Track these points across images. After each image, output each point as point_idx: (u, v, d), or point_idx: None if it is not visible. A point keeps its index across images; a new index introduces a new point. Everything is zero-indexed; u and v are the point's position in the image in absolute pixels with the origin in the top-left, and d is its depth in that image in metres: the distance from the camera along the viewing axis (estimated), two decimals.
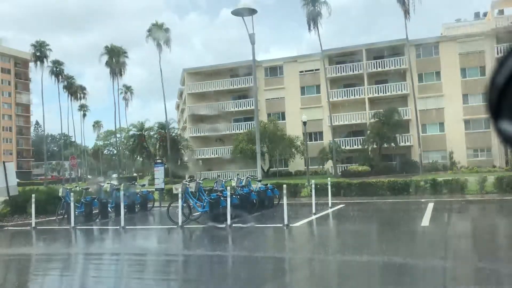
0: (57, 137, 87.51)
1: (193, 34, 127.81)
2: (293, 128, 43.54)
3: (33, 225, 14.20)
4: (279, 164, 44.24)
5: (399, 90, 42.60)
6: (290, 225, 11.82)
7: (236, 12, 20.75)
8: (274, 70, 48.13)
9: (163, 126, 51.65)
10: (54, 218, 15.64)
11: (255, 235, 11.80)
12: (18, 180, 24.36)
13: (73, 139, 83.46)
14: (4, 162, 19.80)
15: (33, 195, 14.84)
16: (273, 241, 11.13)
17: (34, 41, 66.08)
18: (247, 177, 16.83)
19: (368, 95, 43.50)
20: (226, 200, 12.34)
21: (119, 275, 8.12)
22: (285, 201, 12.21)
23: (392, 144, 38.94)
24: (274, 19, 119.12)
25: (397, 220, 13.40)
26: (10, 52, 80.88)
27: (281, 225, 11.80)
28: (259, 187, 16.18)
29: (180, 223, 12.63)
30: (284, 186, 12.86)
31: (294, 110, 45.21)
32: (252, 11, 20.87)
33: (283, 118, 46.79)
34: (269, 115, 46.40)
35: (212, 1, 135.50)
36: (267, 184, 16.75)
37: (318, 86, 46.06)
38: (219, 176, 22.98)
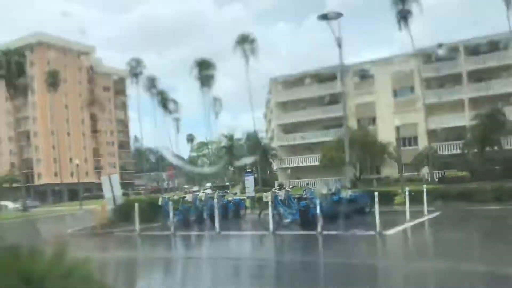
0: (154, 149, 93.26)
1: (279, 42, 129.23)
2: (385, 134, 42.00)
3: (138, 231, 15.33)
4: (370, 171, 43.01)
5: (504, 89, 39.06)
6: (383, 232, 11.50)
7: (322, 17, 20.67)
8: (363, 73, 46.97)
9: (251, 136, 52.79)
10: (156, 225, 16.71)
11: (346, 243, 11.64)
12: (122, 190, 26.35)
13: (169, 152, 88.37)
14: (109, 175, 21.71)
15: (136, 204, 16.03)
16: (366, 249, 10.90)
17: (129, 59, 71.22)
18: (337, 185, 16.67)
19: (468, 95, 40.73)
20: (316, 208, 12.35)
21: (217, 278, 8.54)
22: (377, 208, 11.92)
23: (496, 147, 36.03)
24: (363, 21, 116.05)
25: (502, 229, 12.39)
26: (110, 71, 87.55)
27: (374, 232, 11.53)
28: (350, 195, 15.94)
29: (271, 230, 12.87)
30: (376, 193, 12.53)
31: (386, 114, 43.60)
32: (338, 15, 20.65)
33: (374, 123, 45.45)
34: (359, 120, 45.37)
35: (298, 8, 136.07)
36: (358, 192, 16.45)
37: (412, 88, 44.07)
38: (307, 184, 22.99)
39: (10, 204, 43.88)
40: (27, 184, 59.46)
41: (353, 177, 22.71)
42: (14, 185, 56.12)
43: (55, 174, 72.85)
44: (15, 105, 58.75)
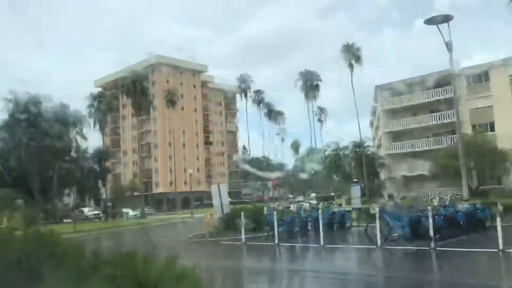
0: (261, 159, 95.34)
1: (385, 49, 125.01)
2: (505, 140, 38.25)
3: (243, 240, 15.69)
4: (490, 181, 39.33)
5: None
6: (507, 250, 10.37)
7: (430, 21, 19.64)
8: (477, 77, 43.44)
9: (357, 145, 51.57)
10: (261, 234, 16.95)
11: (463, 260, 10.71)
12: (230, 199, 27.24)
13: (274, 161, 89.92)
14: (218, 184, 22.58)
15: (242, 213, 16.44)
16: (486, 268, 9.92)
17: (239, 75, 74.42)
18: (451, 196, 15.51)
19: None
20: (429, 221, 11.57)
21: None
22: (499, 223, 10.80)
23: None
24: (476, 22, 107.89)
25: None
26: (221, 87, 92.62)
27: (496, 250, 10.45)
28: (466, 208, 14.69)
29: (379, 244, 12.33)
30: (498, 205, 11.36)
31: (505, 119, 39.74)
32: (447, 18, 19.46)
33: (492, 129, 41.65)
34: (474, 126, 41.94)
35: (404, 13, 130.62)
36: (475, 204, 15.11)
37: None
38: (419, 195, 21.73)
39: (130, 212, 48.03)
40: (146, 193, 64.44)
41: (467, 188, 20.96)
42: (135, 193, 61.21)
43: (170, 183, 77.99)
44: (139, 120, 64.71)
